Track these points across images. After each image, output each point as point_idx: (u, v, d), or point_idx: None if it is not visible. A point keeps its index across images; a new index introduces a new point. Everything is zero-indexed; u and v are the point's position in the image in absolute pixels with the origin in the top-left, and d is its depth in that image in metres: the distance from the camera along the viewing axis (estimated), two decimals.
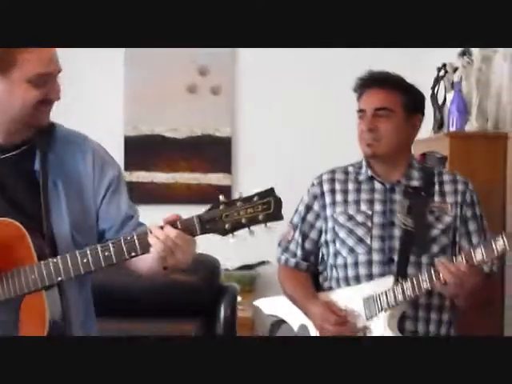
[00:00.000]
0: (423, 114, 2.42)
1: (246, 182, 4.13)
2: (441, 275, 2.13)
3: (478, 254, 2.09)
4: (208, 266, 2.75)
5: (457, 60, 3.27)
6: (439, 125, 3.42)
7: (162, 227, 1.68)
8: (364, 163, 2.40)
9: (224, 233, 1.68)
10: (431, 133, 3.48)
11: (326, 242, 2.42)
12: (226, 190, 4.08)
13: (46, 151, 1.85)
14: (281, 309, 2.49)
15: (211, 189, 4.14)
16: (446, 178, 2.40)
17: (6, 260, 1.76)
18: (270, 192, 1.67)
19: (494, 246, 2.07)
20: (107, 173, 1.91)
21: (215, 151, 4.18)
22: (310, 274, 2.46)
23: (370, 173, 2.38)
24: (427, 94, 3.49)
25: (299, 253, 2.44)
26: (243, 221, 1.66)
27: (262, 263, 4.01)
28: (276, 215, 1.67)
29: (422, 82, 3.41)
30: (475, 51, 3.17)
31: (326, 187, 2.42)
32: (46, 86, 1.77)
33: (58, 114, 1.89)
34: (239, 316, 2.94)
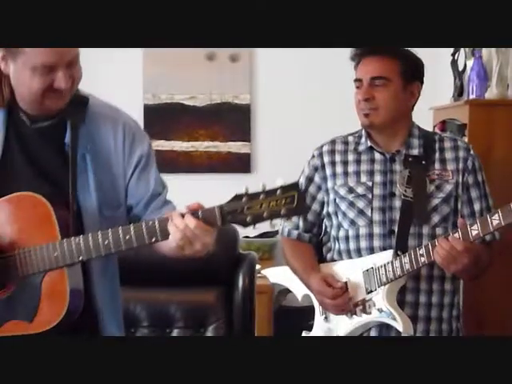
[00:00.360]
0: (422, 81, 2.36)
1: (265, 150, 4.16)
2: (438, 251, 2.12)
3: (474, 231, 2.08)
4: (226, 236, 2.71)
5: None
6: (459, 92, 3.41)
7: (182, 215, 1.67)
8: (363, 133, 2.37)
9: (245, 225, 1.67)
10: (451, 100, 3.47)
11: (329, 214, 2.40)
12: (245, 158, 4.15)
13: (77, 124, 1.85)
14: (286, 278, 2.50)
15: (231, 157, 4.17)
16: (446, 144, 2.35)
17: (29, 236, 1.78)
18: (295, 186, 1.66)
19: (489, 222, 2.05)
20: (137, 149, 1.91)
21: (234, 119, 4.17)
22: (312, 245, 2.46)
23: (369, 143, 2.34)
24: (448, 60, 3.49)
25: (301, 224, 2.42)
26: (265, 215, 1.65)
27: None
28: (299, 210, 1.66)
29: (443, 49, 3.42)
30: None
31: (326, 159, 2.40)
32: (51, 75, 1.75)
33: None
34: (258, 284, 2.94)
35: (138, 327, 2.71)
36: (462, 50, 3.39)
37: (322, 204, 2.41)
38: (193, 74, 4.14)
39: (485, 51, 3.21)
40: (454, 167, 2.31)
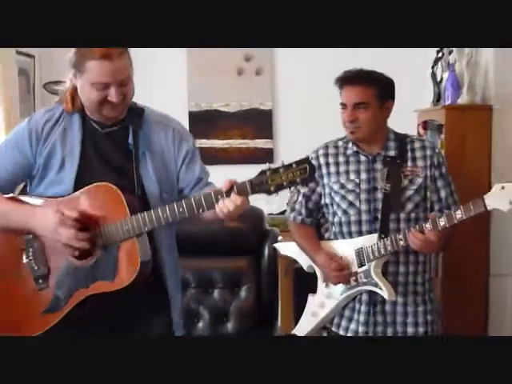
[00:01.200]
0: (394, 98, 2.35)
1: (285, 145, 4.16)
2: (412, 240, 2.15)
3: (442, 222, 2.11)
4: (254, 215, 2.77)
5: None
6: (437, 98, 3.44)
7: (226, 193, 1.71)
8: (350, 141, 2.37)
9: (270, 193, 1.70)
10: (431, 104, 3.51)
11: (326, 204, 2.40)
12: (269, 152, 4.17)
13: (137, 129, 1.89)
14: (294, 251, 2.49)
15: (257, 151, 4.18)
16: (416, 145, 2.34)
17: (106, 215, 1.81)
18: (306, 160, 1.70)
19: (454, 216, 2.09)
20: (183, 146, 1.94)
21: (260, 121, 4.17)
22: (313, 227, 2.46)
23: (355, 148, 2.35)
24: (428, 72, 3.51)
25: (303, 211, 2.43)
26: (284, 183, 1.69)
27: None
28: (310, 178, 1.70)
29: (425, 63, 3.48)
30: None
31: (321, 160, 2.39)
32: (105, 90, 1.78)
33: (141, 96, 1.94)
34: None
35: (188, 288, 2.72)
36: (439, 63, 3.42)
37: (320, 195, 2.40)
38: (226, 86, 4.13)
39: (457, 65, 3.26)
40: (422, 164, 2.31)
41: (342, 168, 2.37)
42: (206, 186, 1.93)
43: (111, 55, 1.77)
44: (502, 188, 2.01)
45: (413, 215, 2.30)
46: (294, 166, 1.70)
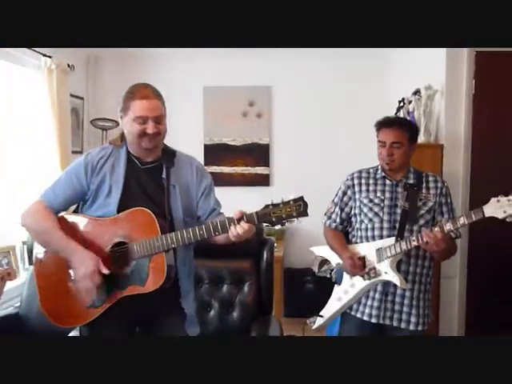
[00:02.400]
0: (417, 140, 2.42)
1: (278, 172, 4.15)
2: (424, 238, 2.16)
3: (448, 226, 2.13)
4: (256, 227, 2.71)
5: (411, 96, 3.28)
6: None
7: (237, 221, 1.70)
8: (379, 168, 2.42)
9: (272, 224, 1.72)
10: None
11: (355, 214, 2.42)
12: (266, 177, 4.15)
13: (169, 166, 1.88)
14: (326, 252, 2.51)
15: (257, 176, 4.17)
16: (430, 178, 2.39)
17: (142, 233, 1.79)
18: (301, 198, 1.69)
19: (457, 221, 2.11)
20: (203, 181, 1.94)
21: (260, 153, 4.17)
22: (343, 233, 2.48)
23: (383, 174, 2.40)
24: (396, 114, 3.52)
25: (338, 220, 2.46)
26: (283, 216, 1.70)
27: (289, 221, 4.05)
28: (304, 213, 1.69)
29: (389, 110, 3.48)
30: (423, 91, 3.23)
31: (355, 181, 2.44)
32: (144, 125, 1.79)
33: (170, 133, 1.93)
34: (275, 255, 2.92)
35: (203, 283, 2.68)
36: (401, 111, 3.38)
37: (351, 208, 2.44)
38: (233, 125, 4.14)
39: (416, 113, 3.21)
40: (434, 192, 2.35)
41: (372, 187, 2.41)
42: (218, 215, 1.91)
43: (149, 96, 1.79)
44: (498, 201, 2.03)
45: (423, 229, 2.28)
46: (291, 202, 1.68)
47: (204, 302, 2.66)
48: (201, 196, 1.93)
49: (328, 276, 2.52)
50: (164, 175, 1.88)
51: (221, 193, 2.02)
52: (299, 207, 1.68)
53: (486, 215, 2.05)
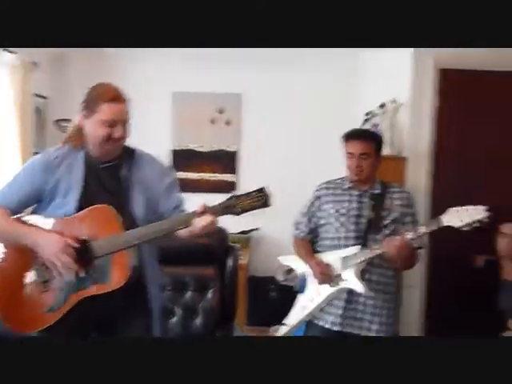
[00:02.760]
0: (382, 152, 2.47)
1: (245, 179, 4.12)
2: (386, 246, 2.22)
3: (409, 235, 2.19)
4: (220, 233, 2.74)
5: (377, 109, 3.35)
6: None
7: (201, 213, 1.69)
8: (346, 178, 2.45)
9: (236, 214, 1.72)
10: None
11: (322, 224, 2.46)
12: (232, 184, 4.11)
13: (129, 164, 1.87)
14: (293, 262, 2.53)
15: (223, 183, 4.13)
16: (395, 189, 2.44)
17: (104, 231, 1.76)
18: (263, 189, 1.72)
19: (417, 230, 2.19)
20: (166, 178, 1.91)
21: (227, 160, 4.14)
22: (311, 242, 2.51)
23: (350, 185, 2.44)
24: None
25: (306, 230, 2.51)
26: (247, 207, 1.71)
27: (254, 229, 4.00)
28: (266, 204, 1.71)
29: (357, 123, 3.49)
30: (388, 104, 3.30)
31: (323, 192, 2.48)
32: (111, 128, 1.76)
33: (139, 138, 1.91)
34: (239, 263, 2.96)
35: (166, 290, 2.64)
36: (367, 124, 3.42)
37: (319, 218, 2.47)
38: (202, 132, 4.11)
39: (381, 125, 3.29)
40: (398, 203, 2.39)
41: (339, 198, 2.44)
42: (181, 212, 1.88)
43: (118, 99, 1.76)
44: (457, 211, 2.11)
45: (388, 238, 2.31)
46: (254, 193, 1.71)
47: (167, 309, 2.62)
48: (163, 193, 1.90)
49: (291, 285, 2.53)
50: (124, 173, 1.86)
51: (187, 198, 1.99)
52: (262, 198, 1.71)
53: (444, 224, 2.11)
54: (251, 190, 1.71)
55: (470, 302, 2.91)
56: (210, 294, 2.68)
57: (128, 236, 1.75)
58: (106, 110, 1.75)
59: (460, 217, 2.09)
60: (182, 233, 1.79)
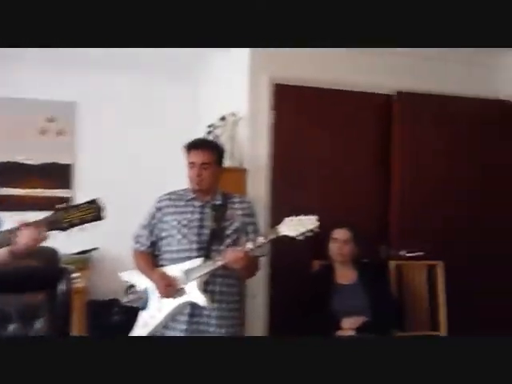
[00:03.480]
0: (223, 163, 2.55)
1: (81, 194, 3.79)
2: (226, 257, 2.28)
3: (248, 245, 2.27)
4: (48, 254, 2.63)
5: (218, 122, 3.36)
6: None
7: (22, 229, 1.55)
8: (189, 190, 2.48)
9: (64, 230, 1.59)
10: None
11: (164, 237, 2.45)
12: (67, 200, 3.73)
13: None
14: (135, 277, 2.48)
15: (57, 200, 3.73)
16: (236, 199, 2.50)
17: None
18: (95, 201, 1.63)
19: (257, 240, 2.28)
20: None
21: (60, 174, 3.90)
22: (152, 256, 2.49)
23: (192, 196, 2.46)
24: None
25: (147, 243, 2.49)
26: (76, 221, 1.59)
27: (94, 249, 3.81)
28: (99, 217, 1.61)
29: (199, 134, 3.42)
30: (228, 117, 3.34)
31: (165, 203, 2.48)
32: None
33: None
34: (77, 286, 2.80)
35: None
36: (210, 135, 3.40)
37: (161, 230, 2.46)
38: (29, 143, 3.82)
39: (222, 137, 3.27)
40: (240, 213, 2.46)
41: (181, 209, 2.45)
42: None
43: None
44: (291, 220, 2.23)
45: (232, 248, 2.36)
46: (84, 205, 1.60)
47: None
48: None
49: (134, 306, 2.45)
50: None
51: (12, 218, 1.78)
52: (93, 210, 1.60)
53: (281, 234, 2.24)
54: (81, 202, 1.61)
55: (309, 305, 3.02)
56: (38, 324, 2.55)
57: None
58: None
59: (295, 226, 2.22)
60: (1, 254, 1.63)
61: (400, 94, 3.47)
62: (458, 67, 3.59)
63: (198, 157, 2.41)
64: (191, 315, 2.35)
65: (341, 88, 3.40)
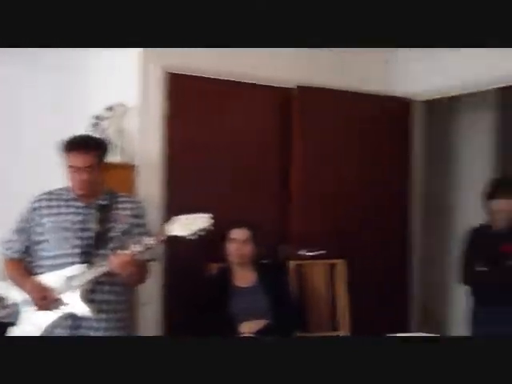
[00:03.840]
0: (107, 156, 2.43)
1: None
2: (111, 262, 2.17)
3: (134, 248, 2.16)
4: None
5: (105, 112, 3.06)
6: None
7: None
8: (70, 189, 2.35)
9: None
10: None
11: (41, 241, 2.30)
12: None
13: None
14: (6, 289, 2.33)
15: None
16: (123, 199, 2.39)
17: None
18: None
19: (144, 242, 2.18)
20: None
21: None
22: (26, 263, 2.34)
23: (74, 195, 2.33)
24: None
25: (20, 248, 2.33)
26: None
27: None
28: None
29: (84, 126, 3.09)
30: (117, 108, 3.06)
31: (42, 203, 2.32)
32: None
33: None
34: None
35: None
36: (96, 128, 3.07)
37: (37, 234, 2.30)
38: None
39: (110, 130, 3.01)
40: (127, 213, 2.35)
41: (62, 210, 2.31)
42: None
43: None
44: (182, 219, 2.14)
45: (117, 252, 2.24)
46: None
47: None
48: None
49: (6, 321, 2.26)
50: None
51: None
52: None
53: (170, 234, 2.13)
54: None
55: (205, 309, 2.84)
56: None
57: None
58: None
59: (186, 225, 2.12)
60: None
61: (300, 87, 3.39)
62: (358, 62, 3.57)
63: (80, 160, 2.26)
64: (74, 328, 2.21)
65: (240, 80, 3.26)
